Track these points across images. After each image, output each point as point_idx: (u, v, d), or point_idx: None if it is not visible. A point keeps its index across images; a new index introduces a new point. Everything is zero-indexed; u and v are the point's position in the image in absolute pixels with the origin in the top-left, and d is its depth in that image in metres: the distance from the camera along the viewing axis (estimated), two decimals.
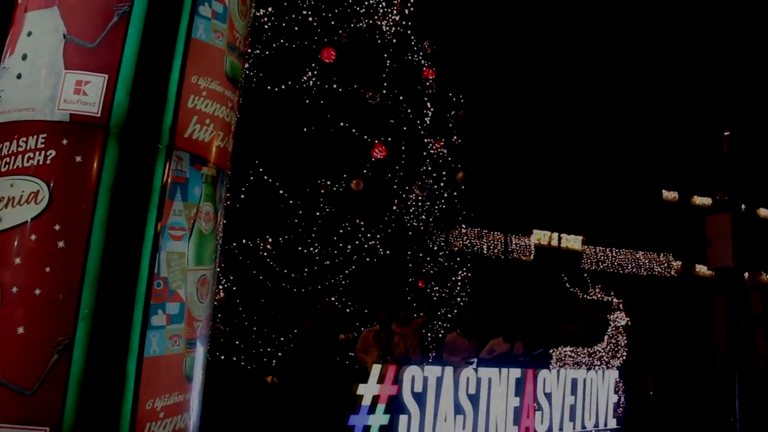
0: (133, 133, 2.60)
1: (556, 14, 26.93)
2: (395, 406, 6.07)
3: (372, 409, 5.90)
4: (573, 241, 29.74)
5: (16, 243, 2.48)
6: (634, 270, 30.42)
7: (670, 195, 31.99)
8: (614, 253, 30.37)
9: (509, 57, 25.75)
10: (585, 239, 29.75)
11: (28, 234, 2.47)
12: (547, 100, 27.20)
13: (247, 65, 9.07)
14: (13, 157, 2.58)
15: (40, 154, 2.54)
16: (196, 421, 2.87)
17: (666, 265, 30.74)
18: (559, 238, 29.38)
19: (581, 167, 28.39)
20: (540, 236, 29.19)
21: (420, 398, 6.25)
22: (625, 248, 30.24)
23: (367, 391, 5.89)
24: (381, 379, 6.00)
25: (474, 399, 6.76)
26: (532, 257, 28.88)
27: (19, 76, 2.69)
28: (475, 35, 23.83)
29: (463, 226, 23.71)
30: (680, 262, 30.50)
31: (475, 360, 7.33)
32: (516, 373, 7.26)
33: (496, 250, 28.13)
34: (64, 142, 2.54)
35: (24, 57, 2.71)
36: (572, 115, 27.92)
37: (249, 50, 9.13)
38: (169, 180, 2.68)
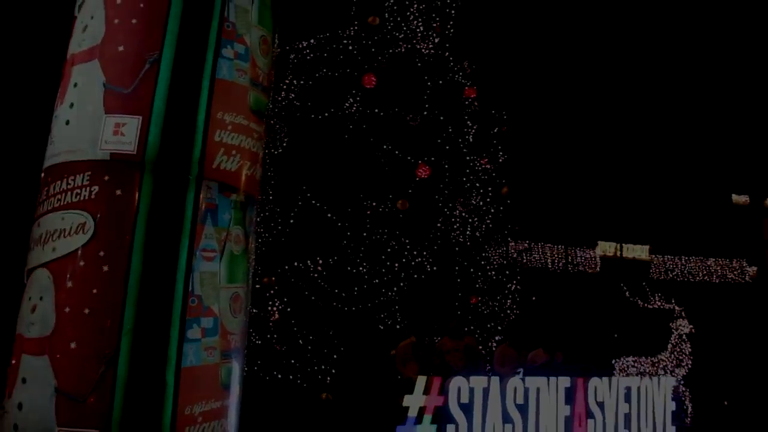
0: (165, 167, 2.91)
1: (617, 19, 26.60)
2: (442, 417, 6.20)
3: (419, 420, 6.05)
4: (639, 251, 29.17)
5: (68, 269, 2.82)
6: (706, 277, 29.55)
7: (740, 199, 31.02)
8: (683, 261, 29.60)
9: (568, 60, 25.56)
10: (652, 248, 29.11)
11: (78, 260, 2.80)
12: (609, 108, 26.86)
13: (292, 95, 9.51)
14: (63, 194, 2.93)
15: (85, 190, 2.88)
16: (234, 427, 3.11)
17: (739, 271, 29.74)
18: (622, 249, 28.79)
19: (645, 175, 27.85)
20: (605, 247, 28.76)
21: (467, 408, 6.36)
22: (695, 256, 29.43)
23: (414, 402, 6.03)
24: (427, 390, 6.15)
25: (522, 409, 6.81)
26: (598, 269, 28.47)
27: (67, 123, 3.05)
28: (527, 42, 23.79)
29: (525, 240, 23.62)
30: (755, 268, 29.48)
31: (522, 370, 7.40)
32: (565, 381, 7.27)
33: (560, 264, 27.87)
34: (106, 178, 2.87)
35: (71, 105, 3.07)
36: (633, 121, 27.46)
37: (283, 82, 9.61)
38: (199, 207, 2.98)
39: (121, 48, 3.00)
